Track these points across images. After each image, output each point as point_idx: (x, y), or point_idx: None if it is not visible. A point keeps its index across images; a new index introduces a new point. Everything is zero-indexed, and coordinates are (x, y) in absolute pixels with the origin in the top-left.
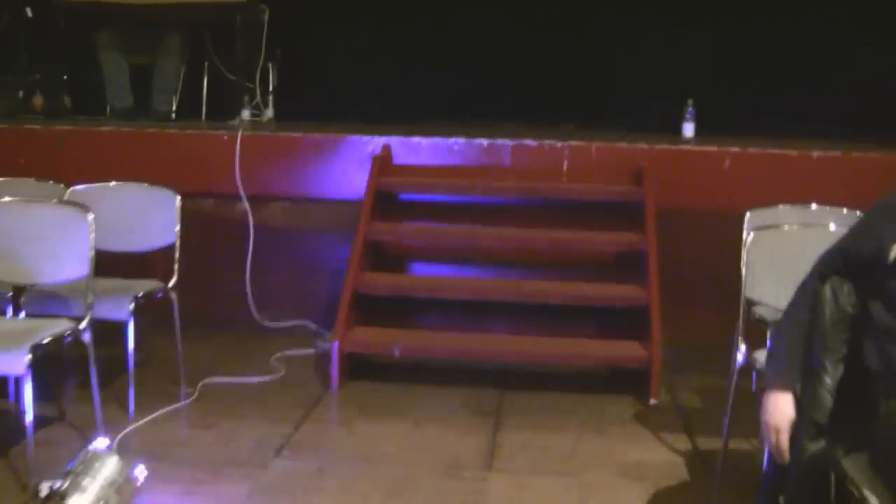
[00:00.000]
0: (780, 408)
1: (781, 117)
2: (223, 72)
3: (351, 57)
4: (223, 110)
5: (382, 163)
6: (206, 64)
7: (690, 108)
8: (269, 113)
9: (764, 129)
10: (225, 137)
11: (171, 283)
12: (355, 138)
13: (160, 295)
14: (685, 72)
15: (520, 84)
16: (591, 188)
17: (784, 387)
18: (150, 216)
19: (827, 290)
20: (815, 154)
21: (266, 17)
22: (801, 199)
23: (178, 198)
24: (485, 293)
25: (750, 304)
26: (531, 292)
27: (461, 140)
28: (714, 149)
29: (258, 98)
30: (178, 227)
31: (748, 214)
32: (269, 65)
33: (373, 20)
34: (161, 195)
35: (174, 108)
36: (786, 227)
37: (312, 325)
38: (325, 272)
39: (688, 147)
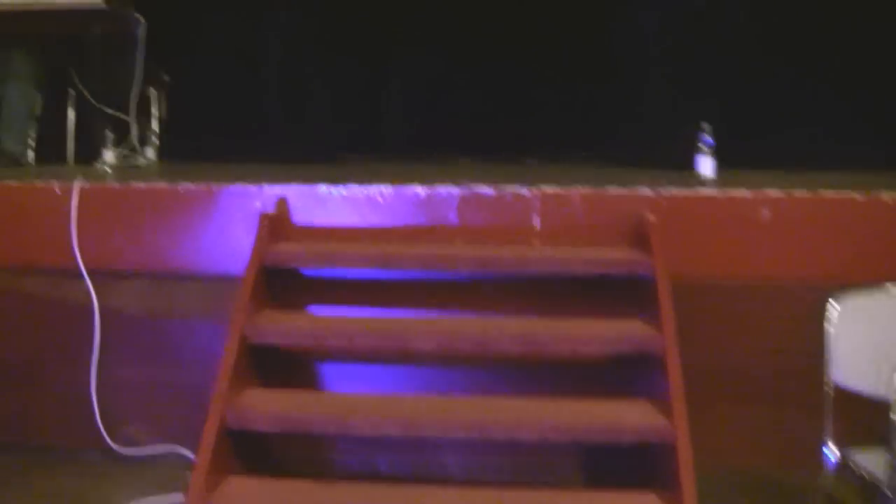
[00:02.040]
0: None
1: (823, 145)
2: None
3: (260, 81)
4: (94, 151)
5: (275, 224)
6: (72, 92)
7: (707, 138)
8: (150, 154)
9: (802, 161)
10: (57, 191)
11: None
12: (237, 189)
13: None
14: (698, 86)
15: (470, 107)
16: (575, 256)
17: None
18: None
19: None
20: (887, 197)
21: (142, 30)
22: (879, 265)
23: None
24: (421, 426)
25: None
26: (491, 423)
27: (388, 189)
28: (745, 194)
29: (133, 135)
30: None
31: (833, 304)
32: (151, 92)
33: (286, 29)
34: None
35: (30, 147)
36: None
37: (186, 453)
38: (203, 375)
39: (708, 192)
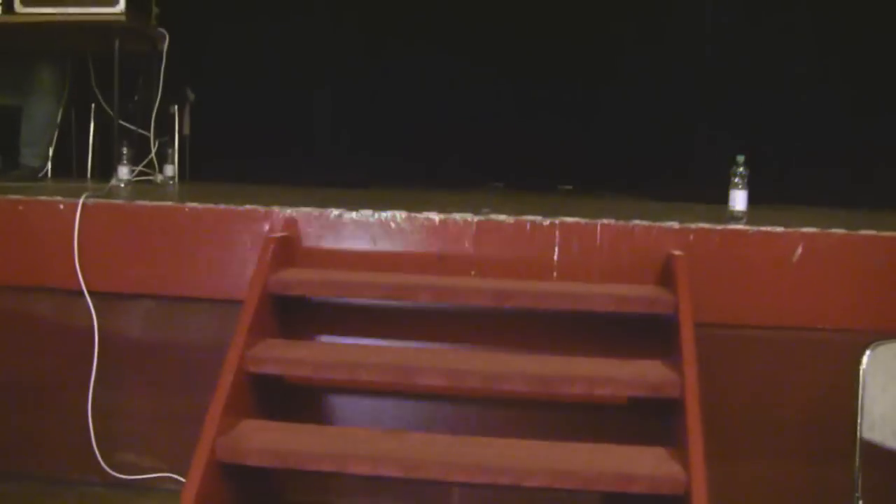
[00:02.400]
0: None
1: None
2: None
3: (293, 100)
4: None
5: (282, 247)
6: (93, 106)
7: (741, 170)
8: (169, 171)
9: (838, 198)
10: (61, 206)
11: None
12: (246, 210)
13: None
14: (731, 118)
15: (498, 133)
16: (594, 291)
17: None
18: None
19: None
20: None
21: (165, 45)
22: None
23: None
24: (423, 468)
25: None
26: (496, 468)
27: (401, 214)
28: (779, 230)
29: (153, 152)
30: None
31: (868, 354)
32: (175, 109)
33: (321, 49)
34: None
35: (48, 163)
36: None
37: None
38: (207, 403)
39: (740, 227)
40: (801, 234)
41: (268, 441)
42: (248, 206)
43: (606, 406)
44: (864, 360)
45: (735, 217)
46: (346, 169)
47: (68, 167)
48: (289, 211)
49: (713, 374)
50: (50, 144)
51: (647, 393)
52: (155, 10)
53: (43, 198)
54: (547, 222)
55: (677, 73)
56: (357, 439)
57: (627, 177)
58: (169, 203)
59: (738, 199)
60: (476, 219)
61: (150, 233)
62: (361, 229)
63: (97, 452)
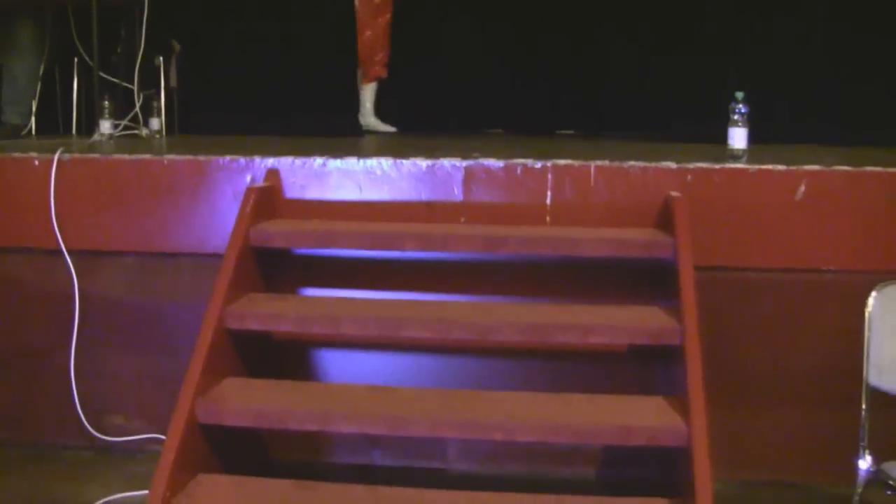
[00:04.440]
0: None
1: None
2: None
3: (284, 49)
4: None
5: (264, 198)
6: (76, 60)
7: (740, 107)
8: (155, 125)
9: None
10: (35, 163)
11: None
12: (226, 161)
13: None
14: (728, 51)
15: (490, 74)
16: (589, 236)
17: None
18: None
19: None
20: None
21: None
22: None
23: None
24: (410, 425)
25: None
26: (487, 423)
27: (387, 161)
28: (781, 168)
29: (137, 105)
30: None
31: (874, 295)
32: (160, 60)
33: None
34: None
35: (31, 119)
36: None
37: None
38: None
39: (740, 166)
40: (804, 171)
41: (249, 400)
42: (228, 157)
43: (603, 355)
44: (870, 301)
45: (735, 156)
46: (342, 117)
47: (54, 124)
48: (271, 161)
49: (716, 320)
50: (33, 101)
51: (645, 340)
52: None
53: (17, 154)
54: (539, 165)
55: (681, 12)
56: (342, 396)
57: (631, 120)
58: (147, 156)
59: (738, 137)
60: (464, 163)
61: (128, 187)
62: (346, 178)
63: (82, 416)
